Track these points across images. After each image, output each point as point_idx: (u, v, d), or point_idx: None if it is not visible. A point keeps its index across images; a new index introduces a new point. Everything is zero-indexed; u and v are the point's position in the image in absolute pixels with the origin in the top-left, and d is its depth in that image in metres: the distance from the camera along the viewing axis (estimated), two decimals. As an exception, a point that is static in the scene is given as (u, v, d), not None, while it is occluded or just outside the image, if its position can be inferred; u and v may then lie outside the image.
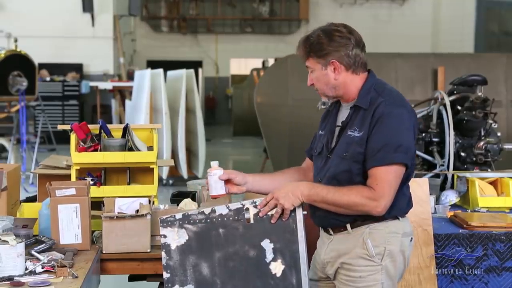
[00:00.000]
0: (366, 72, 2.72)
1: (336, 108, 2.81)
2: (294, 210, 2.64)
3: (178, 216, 2.69)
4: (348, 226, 2.67)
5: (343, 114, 2.75)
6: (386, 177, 2.55)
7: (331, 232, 2.74)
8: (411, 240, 2.73)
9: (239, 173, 2.83)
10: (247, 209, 2.66)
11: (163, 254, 2.68)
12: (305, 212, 2.66)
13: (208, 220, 2.67)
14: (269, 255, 2.64)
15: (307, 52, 2.69)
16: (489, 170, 4.56)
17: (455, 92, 4.88)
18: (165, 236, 2.68)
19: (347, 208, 2.60)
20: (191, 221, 2.67)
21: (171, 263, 2.67)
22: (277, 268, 2.64)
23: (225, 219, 2.66)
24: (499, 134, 4.83)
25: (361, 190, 2.57)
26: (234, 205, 2.68)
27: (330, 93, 2.71)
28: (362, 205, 2.56)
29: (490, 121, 4.72)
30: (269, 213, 2.65)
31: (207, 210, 2.68)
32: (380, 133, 2.57)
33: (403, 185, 2.65)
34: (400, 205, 2.67)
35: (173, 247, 2.67)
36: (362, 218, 2.65)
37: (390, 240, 2.64)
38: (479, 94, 4.76)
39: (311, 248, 2.83)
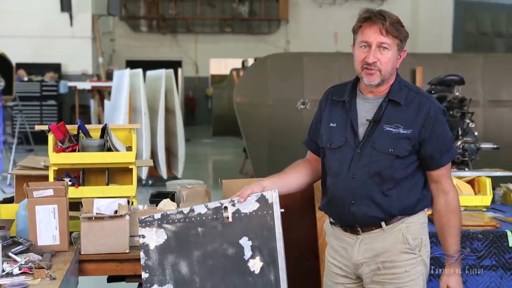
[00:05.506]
0: None
1: (350, 100, 2.73)
2: (271, 208, 2.66)
3: (157, 216, 2.70)
4: (383, 224, 2.69)
5: (365, 107, 2.71)
6: (450, 172, 2.80)
7: (360, 231, 2.71)
8: None
9: (256, 184, 2.72)
10: (225, 207, 2.68)
11: (142, 254, 2.69)
12: (282, 210, 2.67)
13: (187, 220, 2.68)
14: (248, 253, 2.66)
15: (393, 31, 2.66)
16: (466, 169, 4.59)
17: (433, 92, 4.91)
18: (143, 236, 2.69)
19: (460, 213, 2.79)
20: (170, 221, 2.69)
21: (150, 263, 2.68)
22: (255, 265, 2.66)
23: (204, 218, 2.68)
24: (476, 133, 4.86)
25: (455, 198, 2.76)
26: (213, 204, 2.70)
27: (387, 76, 2.69)
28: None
29: (468, 121, 4.76)
30: (247, 212, 2.66)
31: (185, 210, 2.70)
32: (442, 134, 2.69)
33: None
34: (429, 197, 2.77)
35: (151, 247, 2.68)
36: (396, 214, 2.69)
37: (422, 230, 2.75)
38: (457, 93, 4.79)
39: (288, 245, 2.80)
